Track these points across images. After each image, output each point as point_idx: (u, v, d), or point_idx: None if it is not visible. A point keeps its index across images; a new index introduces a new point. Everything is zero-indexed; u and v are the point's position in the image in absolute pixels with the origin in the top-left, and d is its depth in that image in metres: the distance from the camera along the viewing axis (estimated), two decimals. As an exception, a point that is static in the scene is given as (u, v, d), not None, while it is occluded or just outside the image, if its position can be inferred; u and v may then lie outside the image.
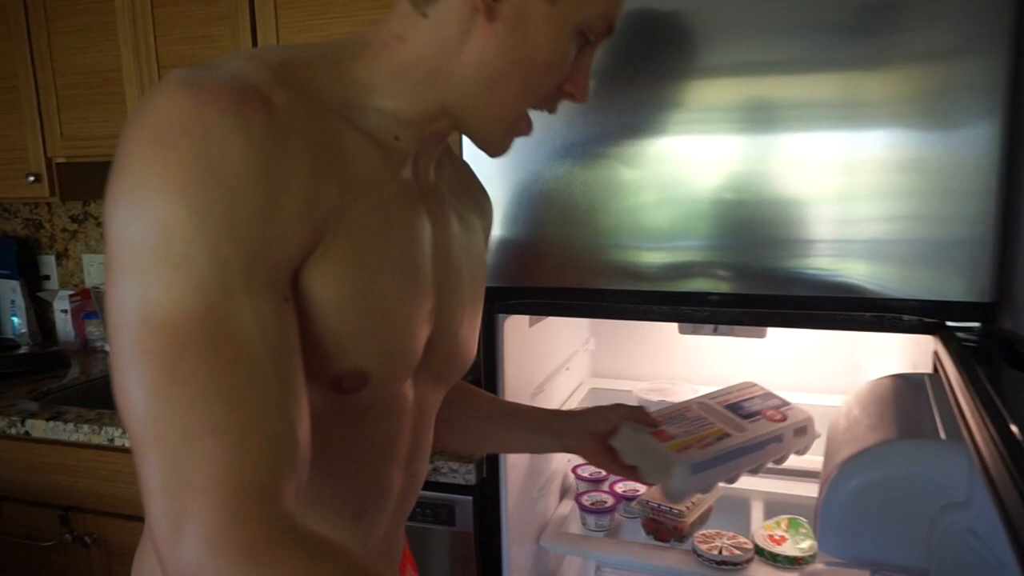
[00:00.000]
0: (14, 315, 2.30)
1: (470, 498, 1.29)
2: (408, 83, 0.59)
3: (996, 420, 0.55)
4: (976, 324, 0.86)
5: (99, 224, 2.30)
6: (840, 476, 0.67)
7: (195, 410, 0.45)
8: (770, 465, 1.03)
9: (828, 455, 0.76)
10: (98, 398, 1.82)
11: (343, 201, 0.54)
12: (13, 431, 1.62)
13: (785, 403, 0.95)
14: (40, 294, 2.34)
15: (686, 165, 1.00)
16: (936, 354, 0.86)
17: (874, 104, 0.92)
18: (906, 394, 0.79)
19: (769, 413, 0.92)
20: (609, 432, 0.87)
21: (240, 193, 0.47)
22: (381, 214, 0.58)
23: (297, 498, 0.49)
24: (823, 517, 0.68)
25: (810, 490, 1.42)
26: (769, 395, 0.98)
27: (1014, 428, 0.53)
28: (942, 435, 0.67)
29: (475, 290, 0.74)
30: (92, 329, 2.24)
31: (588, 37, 0.60)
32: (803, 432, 0.90)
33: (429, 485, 1.29)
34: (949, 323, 0.86)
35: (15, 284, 2.29)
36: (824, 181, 0.94)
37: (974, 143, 0.87)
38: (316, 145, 0.52)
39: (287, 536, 0.46)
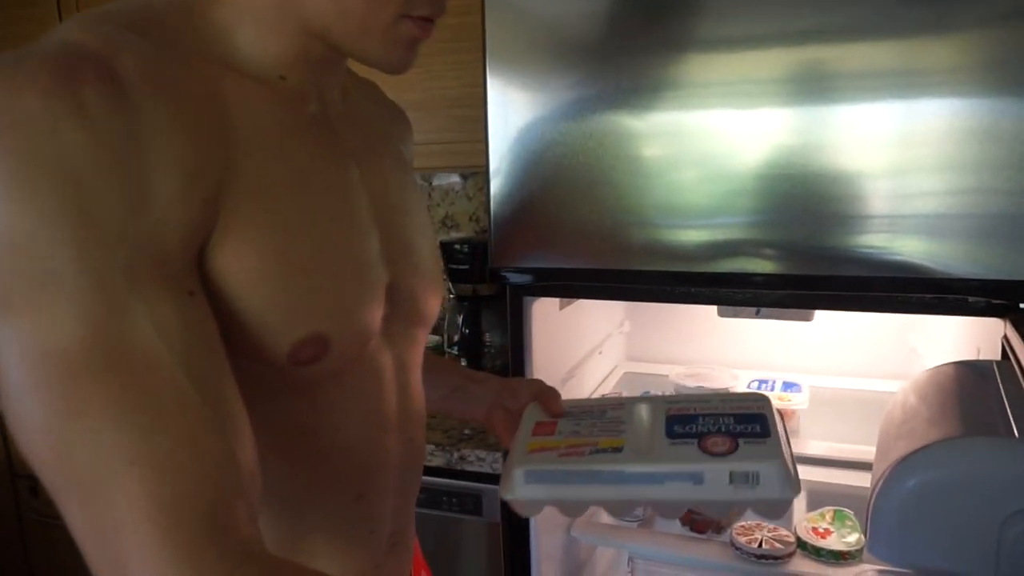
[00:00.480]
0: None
1: (497, 487, 1.24)
2: (264, 14, 0.51)
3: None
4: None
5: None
6: (896, 475, 0.61)
7: (103, 444, 0.39)
8: (810, 452, 0.95)
9: (881, 448, 0.69)
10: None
11: (234, 160, 0.47)
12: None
13: (763, 435, 0.63)
14: None
15: (729, 139, 0.93)
16: (1006, 339, 0.78)
17: (937, 71, 0.84)
18: (971, 384, 0.71)
19: (712, 441, 0.63)
20: (521, 410, 0.76)
21: (92, 186, 0.40)
22: (288, 161, 0.51)
23: (251, 521, 0.43)
24: (874, 518, 0.62)
25: (857, 479, 1.35)
26: (757, 419, 0.66)
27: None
28: (1015, 432, 0.60)
29: (422, 220, 0.68)
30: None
31: None
32: (748, 481, 0.59)
33: (455, 474, 1.25)
34: (1022, 305, 0.78)
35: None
36: (879, 154, 0.86)
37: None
38: (184, 106, 0.45)
39: (247, 568, 0.41)
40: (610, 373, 1.56)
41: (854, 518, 1.22)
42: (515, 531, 1.23)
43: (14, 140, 0.39)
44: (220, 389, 0.44)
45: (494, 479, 1.25)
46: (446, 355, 1.67)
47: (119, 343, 0.40)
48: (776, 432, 0.64)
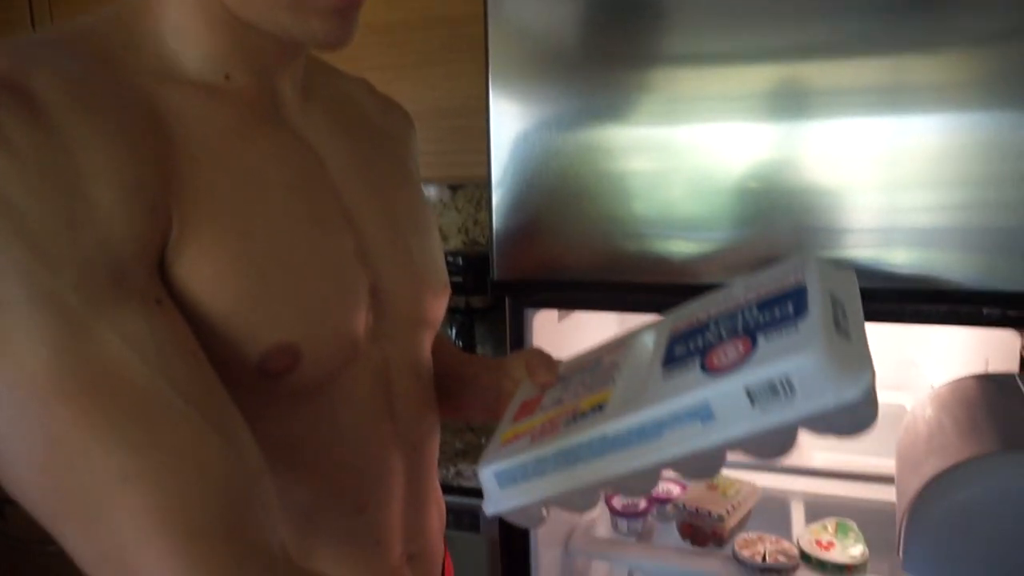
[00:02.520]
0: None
1: (496, 503, 1.21)
2: (189, 13, 0.49)
3: None
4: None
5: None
6: (933, 492, 0.59)
7: (91, 464, 0.37)
8: (813, 464, 0.91)
9: (908, 462, 0.68)
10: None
11: (177, 167, 0.45)
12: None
13: (795, 316, 0.43)
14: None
15: (720, 154, 0.92)
16: None
17: (927, 88, 0.84)
18: (997, 397, 0.70)
19: (718, 353, 0.44)
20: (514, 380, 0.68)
21: (24, 209, 0.38)
22: (237, 163, 0.49)
23: (270, 522, 0.41)
24: (910, 535, 0.60)
25: (859, 491, 1.35)
26: (791, 296, 0.45)
27: None
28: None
29: (417, 217, 0.64)
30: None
31: None
32: (780, 394, 0.40)
33: (451, 490, 1.21)
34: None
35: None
36: (869, 169, 0.87)
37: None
38: (110, 118, 0.42)
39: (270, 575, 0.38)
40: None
41: (857, 529, 1.21)
42: (513, 548, 1.20)
43: None
44: (208, 393, 0.42)
45: (492, 496, 1.21)
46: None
47: (88, 361, 0.38)
48: (819, 305, 0.42)
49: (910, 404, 0.88)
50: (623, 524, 1.31)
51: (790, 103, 0.89)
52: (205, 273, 0.45)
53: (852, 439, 0.41)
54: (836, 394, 0.39)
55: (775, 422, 0.40)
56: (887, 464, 1.16)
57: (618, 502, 1.33)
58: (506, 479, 0.51)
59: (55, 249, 0.38)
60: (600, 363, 0.57)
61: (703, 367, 0.44)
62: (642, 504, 1.32)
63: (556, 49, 0.96)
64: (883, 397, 1.10)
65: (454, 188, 1.75)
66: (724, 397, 0.41)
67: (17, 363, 0.37)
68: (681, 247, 0.95)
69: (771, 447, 0.43)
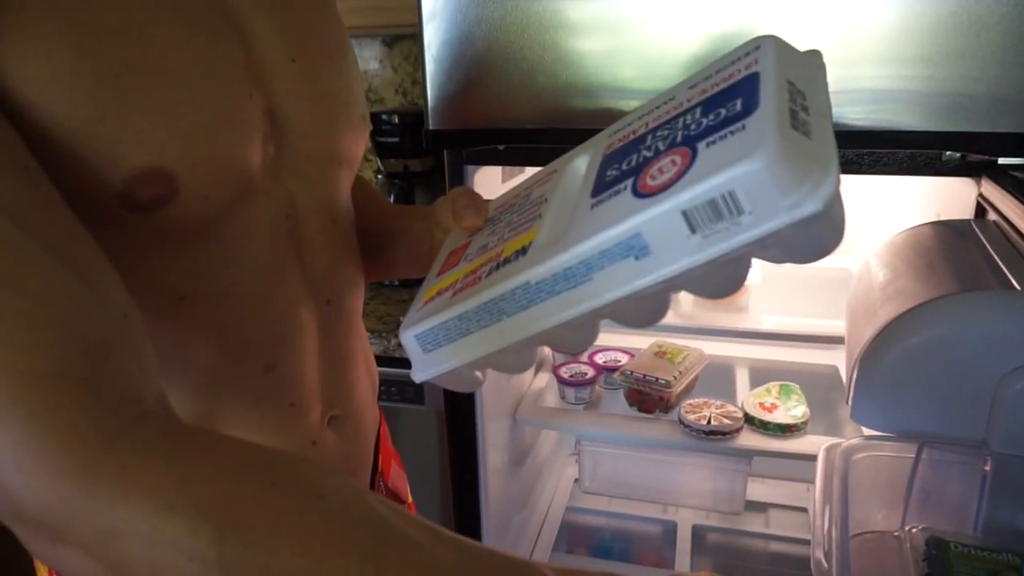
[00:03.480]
0: None
1: (440, 374, 1.18)
2: None
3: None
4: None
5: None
6: (886, 337, 0.56)
7: None
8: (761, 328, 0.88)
9: (861, 312, 0.65)
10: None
11: None
12: None
13: (742, 114, 0.34)
14: None
15: (670, 23, 0.82)
16: (982, 197, 0.73)
17: None
18: (953, 242, 0.67)
19: (650, 172, 0.36)
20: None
21: None
22: None
23: (140, 374, 0.35)
24: (860, 383, 0.58)
25: (804, 356, 1.36)
26: (737, 88, 0.37)
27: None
28: (1015, 285, 0.56)
29: (328, 34, 0.54)
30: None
31: None
32: (725, 216, 0.32)
33: (394, 362, 1.17)
34: (1001, 160, 0.73)
35: None
36: (832, 46, 0.78)
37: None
38: None
39: (137, 429, 0.33)
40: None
41: (800, 392, 1.22)
42: (459, 419, 1.18)
43: None
44: (52, 222, 0.35)
45: (436, 367, 1.18)
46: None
47: None
48: (772, 98, 0.34)
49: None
50: (570, 393, 1.30)
51: None
52: (45, 78, 0.36)
53: (813, 261, 0.35)
54: (791, 207, 0.31)
55: (720, 251, 0.33)
56: (834, 326, 1.16)
57: (565, 372, 1.32)
58: (429, 342, 0.45)
59: None
60: (529, 197, 0.49)
61: (635, 191, 0.36)
62: (589, 373, 1.31)
63: None
64: (832, 261, 1.05)
65: (388, 43, 1.61)
66: (658, 224, 0.34)
67: None
68: (629, 104, 0.87)
69: (719, 283, 0.37)
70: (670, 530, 1.43)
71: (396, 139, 1.35)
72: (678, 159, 0.35)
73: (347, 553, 0.32)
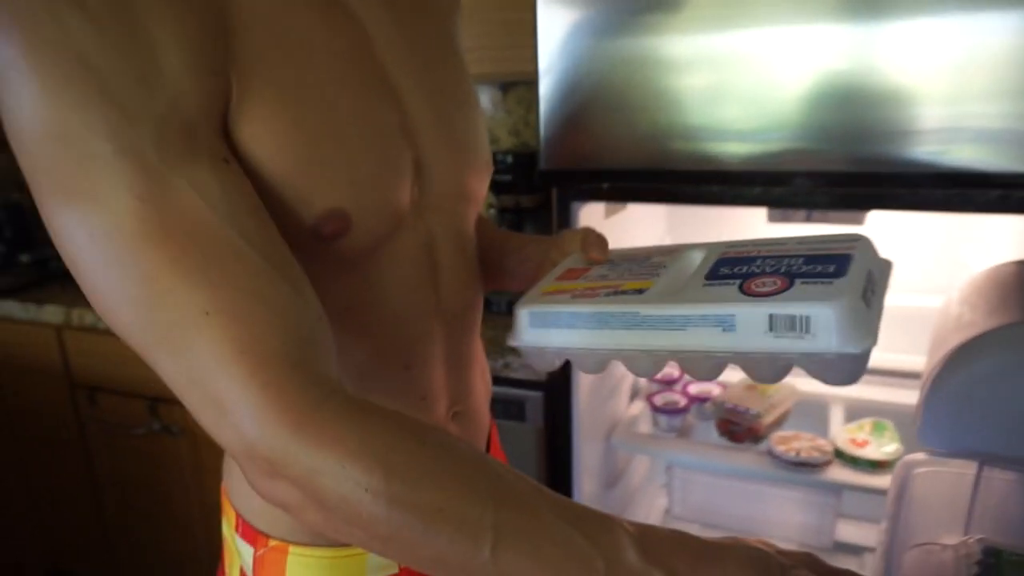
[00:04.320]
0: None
1: (541, 394, 1.27)
2: None
3: None
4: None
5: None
6: (952, 361, 0.61)
7: (178, 300, 0.42)
8: None
9: (936, 343, 0.70)
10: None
11: (235, 33, 0.47)
12: (101, 324, 1.69)
13: (836, 275, 0.48)
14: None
15: (773, 60, 0.90)
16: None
17: None
18: (1031, 279, 0.71)
19: (758, 282, 0.50)
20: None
21: (103, 65, 0.41)
22: (288, 32, 0.51)
23: (330, 361, 0.46)
24: (927, 405, 0.63)
25: (898, 395, 1.36)
26: (837, 259, 0.51)
27: None
28: (1078, 317, 0.60)
29: (462, 92, 0.66)
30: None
31: None
32: (796, 328, 0.46)
33: (499, 381, 1.28)
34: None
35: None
36: (937, 70, 0.84)
37: None
38: None
39: (333, 399, 0.44)
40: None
41: (893, 429, 1.23)
42: (557, 438, 1.26)
43: (22, 35, 0.40)
44: (273, 246, 0.46)
45: (539, 386, 1.28)
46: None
47: (169, 211, 0.42)
48: (857, 274, 0.48)
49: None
50: (663, 420, 1.36)
51: (853, 3, 0.87)
52: (264, 138, 0.48)
53: (832, 386, 0.46)
54: (841, 344, 0.45)
55: (782, 348, 0.47)
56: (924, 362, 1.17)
57: (659, 400, 1.38)
58: (537, 321, 0.58)
59: (134, 106, 0.42)
60: (648, 259, 0.63)
61: (741, 288, 0.50)
62: (682, 402, 1.37)
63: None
64: (931, 301, 1.09)
65: (504, 88, 1.75)
66: (750, 315, 0.48)
67: (110, 211, 0.42)
68: (730, 148, 0.95)
69: (766, 371, 0.50)
70: (760, 565, 1.44)
71: (509, 177, 1.48)
72: (778, 282, 0.50)
73: (470, 493, 0.43)
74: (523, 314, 0.58)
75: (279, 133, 0.49)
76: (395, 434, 0.44)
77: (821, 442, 1.23)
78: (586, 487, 1.30)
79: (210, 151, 0.45)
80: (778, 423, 1.31)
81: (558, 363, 0.60)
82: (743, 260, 0.55)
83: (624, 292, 0.55)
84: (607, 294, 0.56)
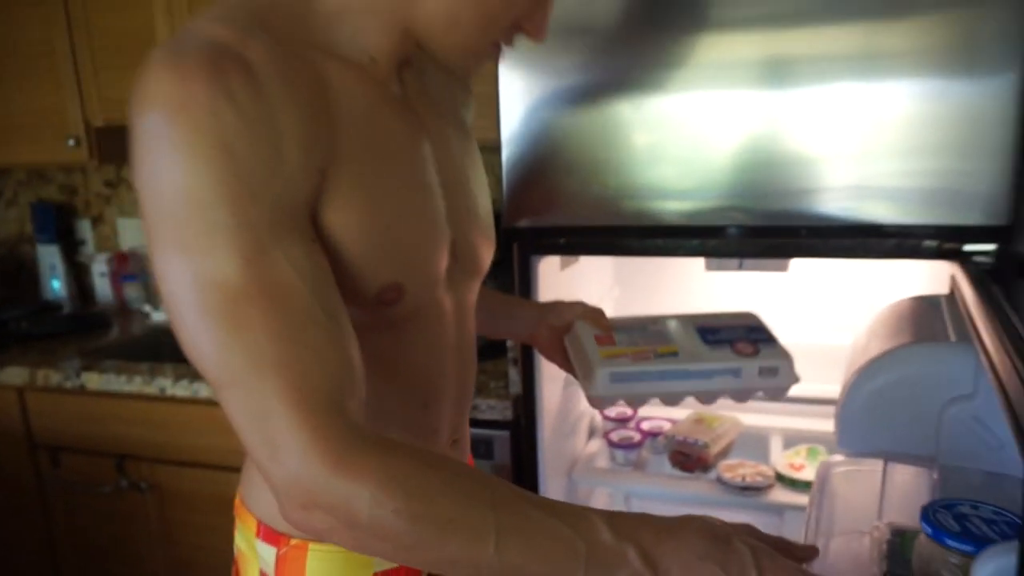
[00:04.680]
0: (55, 279, 2.39)
1: (507, 433, 1.36)
2: (374, 12, 0.61)
3: (1004, 321, 0.61)
4: (993, 247, 0.91)
5: (131, 188, 2.37)
6: (858, 380, 0.74)
7: (259, 350, 0.51)
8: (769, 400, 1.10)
9: (847, 371, 0.83)
10: (142, 355, 1.90)
11: (336, 135, 0.58)
12: (69, 384, 1.71)
13: (770, 340, 0.86)
14: (79, 258, 2.43)
15: (708, 125, 1.04)
16: (953, 277, 0.91)
17: (897, 55, 0.95)
18: (922, 311, 0.85)
19: (740, 346, 0.84)
20: (564, 328, 0.92)
21: (243, 154, 0.51)
22: (375, 138, 0.62)
23: (360, 411, 0.56)
24: (842, 418, 0.75)
25: (826, 424, 1.48)
26: (759, 329, 0.88)
27: (1020, 327, 0.60)
28: (951, 339, 0.73)
29: (481, 181, 0.78)
30: (130, 291, 2.32)
31: None
32: (772, 373, 0.81)
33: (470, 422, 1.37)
34: (967, 247, 0.91)
35: (55, 249, 2.37)
36: (844, 135, 0.99)
37: (997, 84, 0.91)
38: (298, 88, 0.55)
39: (364, 441, 0.53)
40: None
41: (826, 452, 1.36)
42: (524, 474, 1.35)
43: (187, 117, 0.50)
44: (338, 313, 0.56)
45: (505, 425, 1.37)
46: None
47: (267, 276, 0.52)
48: (774, 336, 0.87)
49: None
50: (620, 455, 1.47)
51: (773, 72, 1.01)
52: (348, 225, 0.59)
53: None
54: (791, 379, 0.83)
55: (764, 385, 0.83)
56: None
57: (616, 436, 1.49)
58: (616, 379, 0.83)
59: (258, 191, 0.52)
60: (647, 329, 0.91)
61: (733, 351, 0.85)
62: (636, 438, 1.48)
63: (561, 21, 1.08)
64: (848, 337, 1.22)
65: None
66: (748, 368, 0.83)
67: (218, 268, 0.51)
68: (671, 206, 1.08)
69: (746, 397, 0.85)
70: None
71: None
72: (750, 347, 0.85)
73: (473, 504, 0.52)
74: (605, 373, 0.82)
75: (360, 223, 0.60)
76: (412, 464, 0.53)
77: (763, 468, 1.35)
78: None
79: (303, 232, 0.56)
80: (724, 453, 1.42)
81: (616, 402, 0.89)
82: (713, 330, 0.89)
83: (663, 355, 0.85)
84: (655, 356, 0.85)
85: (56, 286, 2.39)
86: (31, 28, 1.90)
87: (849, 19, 0.97)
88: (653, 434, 1.49)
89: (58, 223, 2.39)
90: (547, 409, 1.33)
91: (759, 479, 1.31)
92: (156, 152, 0.51)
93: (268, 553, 0.71)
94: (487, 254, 0.78)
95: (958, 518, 0.57)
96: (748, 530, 0.57)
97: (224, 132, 0.51)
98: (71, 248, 2.45)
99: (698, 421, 1.46)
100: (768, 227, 1.03)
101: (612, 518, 0.54)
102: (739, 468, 1.35)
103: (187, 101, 0.50)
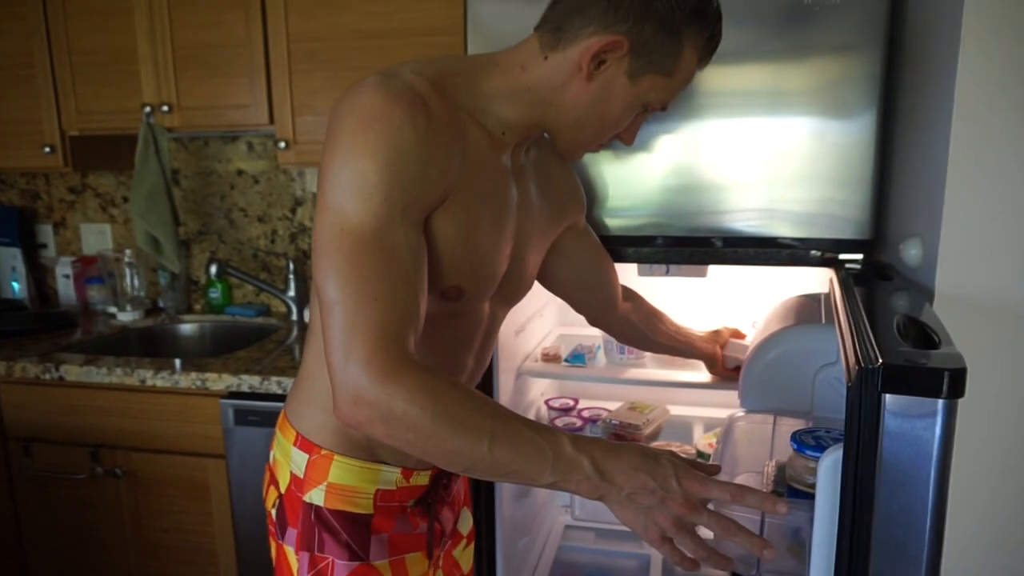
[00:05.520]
0: (14, 281, 2.44)
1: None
2: (520, 101, 0.85)
3: (854, 310, 0.84)
4: (860, 256, 1.16)
5: (98, 195, 2.45)
6: (755, 354, 0.96)
7: (366, 286, 0.71)
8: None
9: (751, 346, 1.05)
10: (113, 351, 1.99)
11: (462, 174, 0.80)
12: (45, 376, 1.80)
13: None
14: (40, 261, 2.49)
15: (639, 149, 1.24)
16: (831, 280, 1.16)
17: (795, 93, 1.16)
18: (805, 304, 1.08)
19: None
20: (722, 345, 1.32)
21: (408, 162, 0.74)
22: (484, 183, 0.84)
23: (416, 346, 0.74)
24: (744, 382, 0.97)
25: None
26: None
27: (863, 315, 0.82)
28: (822, 322, 0.96)
29: (543, 241, 1.01)
30: (93, 293, 2.39)
31: (647, 108, 0.87)
32: None
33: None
34: (842, 256, 1.16)
35: (16, 251, 2.43)
36: (752, 164, 1.20)
37: (862, 124, 1.15)
38: (451, 135, 0.78)
39: (412, 363, 0.72)
40: (548, 333, 1.89)
41: (738, 433, 1.59)
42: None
43: (382, 126, 0.73)
44: (421, 281, 0.77)
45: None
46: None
47: (388, 239, 0.73)
48: None
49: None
50: (564, 438, 1.66)
51: (699, 104, 1.20)
52: (444, 232, 0.80)
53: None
54: None
55: None
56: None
57: (560, 422, 1.68)
58: None
59: (407, 187, 0.73)
60: None
61: None
62: (578, 423, 1.68)
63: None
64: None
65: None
66: None
67: (359, 224, 0.72)
68: (609, 221, 1.29)
69: None
70: (644, 563, 1.75)
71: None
72: None
73: (477, 412, 0.71)
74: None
75: (455, 235, 0.82)
76: (439, 381, 0.72)
77: (687, 447, 1.57)
78: (506, 492, 1.56)
79: (418, 225, 0.77)
80: (654, 435, 1.64)
81: None
82: None
83: None
84: None
85: (16, 288, 2.44)
86: (11, 40, 1.99)
87: (760, 59, 1.17)
88: (592, 420, 1.69)
89: (20, 226, 2.45)
90: (501, 400, 1.50)
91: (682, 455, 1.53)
92: (353, 143, 0.72)
93: (301, 459, 0.91)
94: (520, 293, 1.00)
95: (815, 438, 0.79)
96: (671, 453, 0.77)
97: (401, 142, 0.73)
98: (31, 252, 2.50)
99: (632, 408, 1.67)
100: (690, 238, 1.25)
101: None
102: (666, 448, 1.56)
103: (386, 114, 0.73)
